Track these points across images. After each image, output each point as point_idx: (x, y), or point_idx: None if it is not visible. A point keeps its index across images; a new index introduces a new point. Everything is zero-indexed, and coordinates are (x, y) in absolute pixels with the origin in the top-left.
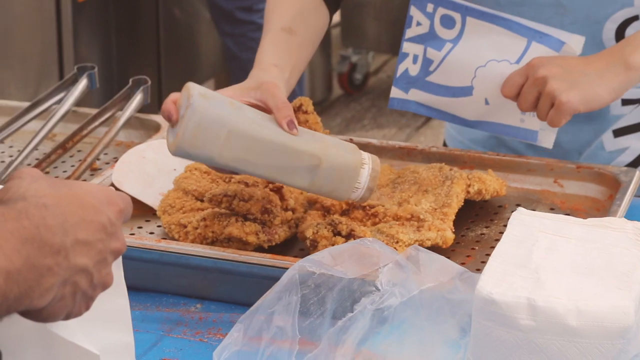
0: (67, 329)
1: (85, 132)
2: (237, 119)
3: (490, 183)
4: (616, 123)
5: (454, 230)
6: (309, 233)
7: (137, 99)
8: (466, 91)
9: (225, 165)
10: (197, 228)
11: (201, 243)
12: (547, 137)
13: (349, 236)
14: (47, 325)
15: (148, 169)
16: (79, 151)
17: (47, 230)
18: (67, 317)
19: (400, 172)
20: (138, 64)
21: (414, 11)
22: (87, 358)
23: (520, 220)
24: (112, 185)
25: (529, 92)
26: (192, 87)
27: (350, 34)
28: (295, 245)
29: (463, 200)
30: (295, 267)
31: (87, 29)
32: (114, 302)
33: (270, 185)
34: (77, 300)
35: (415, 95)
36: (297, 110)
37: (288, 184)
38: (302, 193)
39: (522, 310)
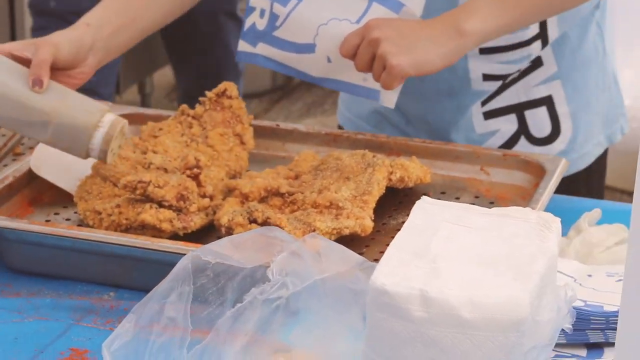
0: None
1: None
2: None
3: (413, 170)
4: (487, 105)
5: (373, 218)
6: (224, 220)
7: None
8: (309, 48)
9: None
10: (111, 215)
11: (115, 230)
12: (388, 97)
13: (265, 224)
14: None
15: (67, 154)
16: (2, 135)
17: None
18: None
19: (324, 159)
20: None
21: None
22: None
23: (424, 209)
24: (30, 170)
25: (364, 52)
26: None
27: None
28: (213, 232)
29: (384, 188)
30: (189, 257)
31: None
32: None
33: (188, 172)
34: None
35: (263, 49)
36: (222, 95)
37: (29, 136)
38: (222, 180)
39: (415, 302)
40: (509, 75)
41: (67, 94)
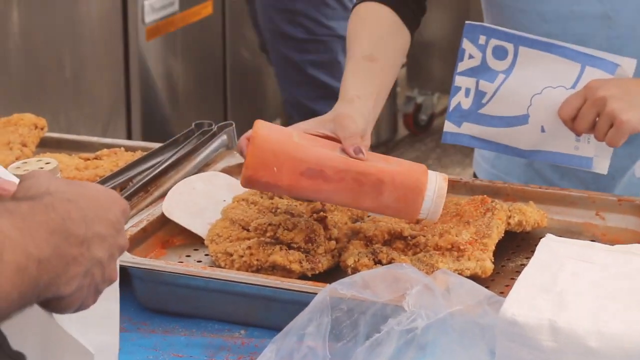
0: (68, 323)
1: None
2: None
3: (531, 214)
4: None
5: (493, 260)
6: (350, 261)
7: (219, 140)
8: (522, 120)
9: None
10: (242, 256)
11: (246, 271)
12: (601, 164)
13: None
14: (52, 315)
15: (198, 199)
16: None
17: (72, 223)
18: (78, 309)
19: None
20: (204, 107)
21: (466, 44)
22: (82, 354)
23: (548, 246)
24: (162, 214)
25: (588, 113)
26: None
27: (416, 75)
28: (338, 274)
29: (503, 232)
30: (327, 290)
31: (154, 69)
32: (108, 305)
33: (315, 215)
34: (90, 292)
35: (468, 128)
36: None
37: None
38: (346, 223)
39: (544, 332)
40: None
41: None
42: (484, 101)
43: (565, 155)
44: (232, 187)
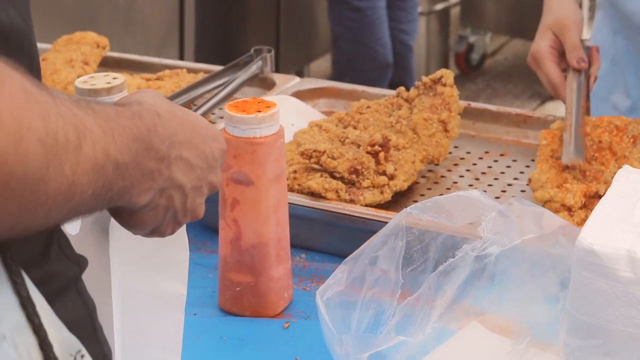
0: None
1: (202, 90)
2: None
3: None
4: None
5: None
6: None
7: (255, 65)
8: None
9: None
10: (287, 179)
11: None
12: None
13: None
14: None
15: None
16: (194, 105)
17: (156, 136)
18: (152, 234)
19: None
20: (256, 34)
21: None
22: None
23: (626, 177)
24: None
25: None
26: None
27: (469, 14)
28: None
29: None
30: (403, 213)
31: None
32: (178, 253)
33: (369, 148)
34: (167, 218)
35: None
36: (437, 81)
37: None
38: (414, 162)
39: (622, 262)
40: None
41: None
42: None
43: None
44: (301, 111)
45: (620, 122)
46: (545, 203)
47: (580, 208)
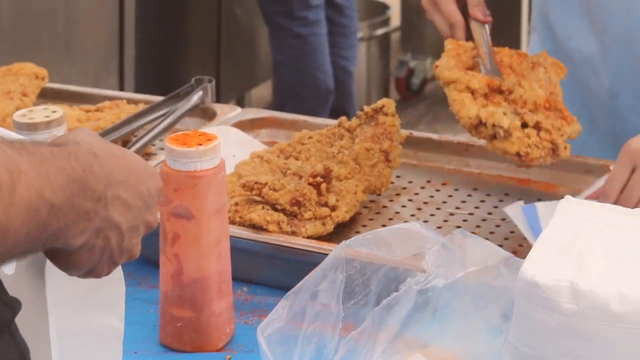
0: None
1: (143, 121)
2: None
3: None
4: None
5: None
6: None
7: (196, 95)
8: None
9: None
10: (228, 212)
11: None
12: None
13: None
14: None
15: None
16: (134, 136)
17: (92, 176)
18: (88, 274)
19: None
20: (197, 62)
21: None
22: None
23: (568, 208)
24: None
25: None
26: None
27: (409, 39)
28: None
29: None
30: (342, 246)
31: (149, 24)
32: (114, 290)
33: (311, 179)
34: (103, 259)
35: None
36: (379, 111)
37: None
38: (356, 193)
39: (565, 294)
40: None
41: None
42: None
43: None
44: (242, 141)
45: (522, 53)
46: (450, 84)
47: (483, 96)
